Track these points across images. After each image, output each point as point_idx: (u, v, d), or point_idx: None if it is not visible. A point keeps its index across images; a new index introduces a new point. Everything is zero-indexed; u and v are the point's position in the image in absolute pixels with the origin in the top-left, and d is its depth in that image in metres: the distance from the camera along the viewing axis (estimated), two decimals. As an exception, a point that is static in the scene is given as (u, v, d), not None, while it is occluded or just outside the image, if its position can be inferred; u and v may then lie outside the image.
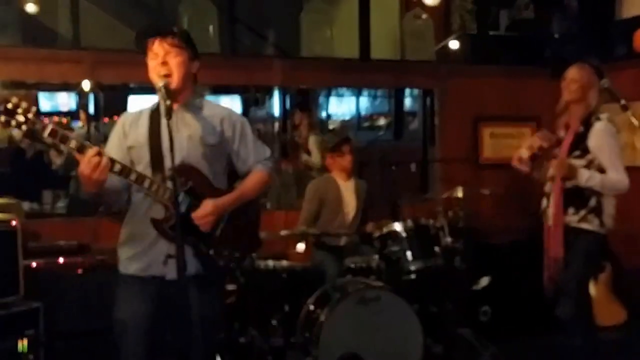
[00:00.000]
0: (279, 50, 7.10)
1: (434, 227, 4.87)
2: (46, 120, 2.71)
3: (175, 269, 2.64)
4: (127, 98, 6.59)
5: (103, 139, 4.69)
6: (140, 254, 2.97)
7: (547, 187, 4.08)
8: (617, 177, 3.86)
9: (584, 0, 6.47)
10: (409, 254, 4.70)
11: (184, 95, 3.02)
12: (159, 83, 2.89)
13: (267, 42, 7.39)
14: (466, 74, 6.44)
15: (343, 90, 8.78)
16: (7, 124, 2.58)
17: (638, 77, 5.64)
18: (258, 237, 3.31)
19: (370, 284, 4.51)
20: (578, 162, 3.89)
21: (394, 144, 8.06)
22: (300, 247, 4.78)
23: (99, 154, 2.68)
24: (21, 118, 2.58)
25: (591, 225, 3.91)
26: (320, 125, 8.70)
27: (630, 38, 5.75)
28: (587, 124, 3.95)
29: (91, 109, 5.50)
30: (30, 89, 5.96)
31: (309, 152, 6.80)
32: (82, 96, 5.60)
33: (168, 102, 2.77)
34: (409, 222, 4.80)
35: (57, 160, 6.08)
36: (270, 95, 6.18)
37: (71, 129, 5.90)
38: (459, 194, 5.24)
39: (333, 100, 9.13)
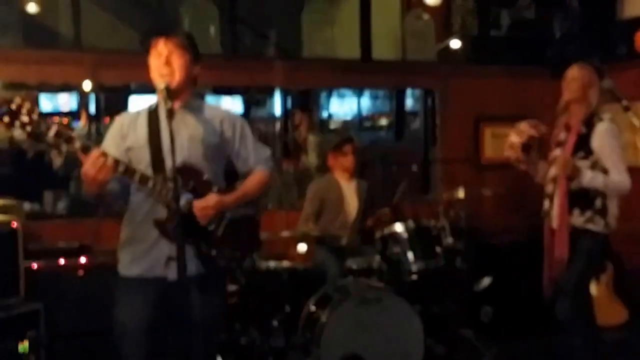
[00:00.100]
0: (280, 50, 7.09)
1: (435, 227, 4.86)
2: (50, 120, 2.71)
3: (176, 270, 2.64)
4: (128, 99, 6.60)
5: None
6: (142, 256, 2.97)
7: (549, 188, 4.07)
8: (619, 178, 3.85)
9: (585, 1, 6.46)
10: (410, 254, 4.70)
11: (184, 96, 3.03)
12: (161, 84, 2.89)
13: (268, 42, 7.37)
14: (467, 74, 6.44)
15: (344, 90, 8.78)
16: (11, 124, 2.58)
17: (639, 78, 5.63)
18: (258, 237, 3.31)
19: (372, 284, 4.52)
20: (583, 163, 3.87)
21: (395, 145, 8.05)
22: (302, 247, 4.77)
23: (104, 154, 2.68)
24: (25, 118, 2.58)
25: (597, 226, 3.91)
26: (322, 126, 8.70)
27: (631, 38, 5.74)
28: (589, 124, 3.94)
29: (92, 110, 5.49)
30: (31, 90, 5.95)
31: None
32: (83, 97, 5.60)
33: (169, 104, 2.77)
34: (411, 223, 4.80)
35: (57, 161, 6.07)
36: (272, 95, 6.17)
37: (72, 130, 5.88)
38: (461, 194, 5.23)
39: (334, 100, 9.14)
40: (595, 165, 3.88)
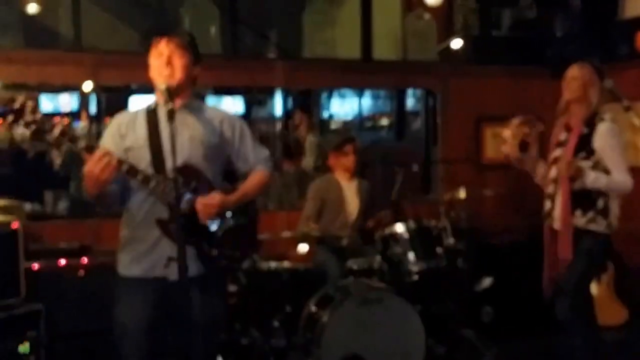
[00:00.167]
0: (281, 51, 7.10)
1: (436, 228, 4.86)
2: (53, 120, 2.72)
3: (177, 271, 2.64)
4: (129, 99, 6.60)
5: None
6: (142, 256, 2.97)
7: (550, 189, 4.06)
8: (621, 178, 3.84)
9: (586, 1, 6.46)
10: (411, 255, 4.70)
11: (184, 96, 3.03)
12: (162, 85, 2.89)
13: (269, 43, 7.38)
14: (468, 74, 6.43)
15: (345, 90, 8.79)
16: (15, 123, 2.58)
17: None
18: (257, 238, 3.32)
19: (373, 285, 4.51)
20: (585, 164, 3.86)
21: (396, 145, 8.06)
22: (303, 248, 4.77)
23: (108, 153, 2.69)
24: (29, 117, 2.59)
25: (599, 226, 3.90)
26: (322, 126, 8.71)
27: (632, 38, 5.74)
28: (590, 124, 3.93)
29: (93, 110, 5.49)
30: (32, 91, 5.95)
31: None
32: (84, 97, 5.60)
33: (170, 105, 2.77)
34: (411, 223, 4.80)
35: (57, 161, 6.08)
36: (272, 96, 6.17)
37: (74, 130, 5.90)
38: (461, 194, 5.22)
39: (335, 100, 9.14)
40: (597, 166, 3.87)
